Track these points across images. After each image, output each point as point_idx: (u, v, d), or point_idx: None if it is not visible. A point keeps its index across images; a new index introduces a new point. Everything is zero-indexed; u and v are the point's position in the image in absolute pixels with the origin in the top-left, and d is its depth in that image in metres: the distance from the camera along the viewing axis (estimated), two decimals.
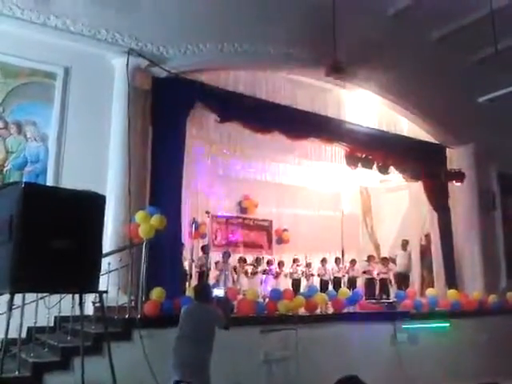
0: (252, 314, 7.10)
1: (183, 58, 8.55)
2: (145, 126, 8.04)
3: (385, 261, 12.41)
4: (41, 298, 5.66)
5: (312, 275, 12.01)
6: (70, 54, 7.62)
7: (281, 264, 11.92)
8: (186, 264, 9.44)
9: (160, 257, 7.27)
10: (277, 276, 11.73)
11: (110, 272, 6.04)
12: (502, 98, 9.12)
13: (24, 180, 6.88)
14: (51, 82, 7.55)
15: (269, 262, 11.85)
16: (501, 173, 12.59)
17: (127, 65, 7.74)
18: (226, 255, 10.80)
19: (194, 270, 10.00)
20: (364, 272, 12.36)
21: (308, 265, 12.07)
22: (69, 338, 5.78)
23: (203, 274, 9.99)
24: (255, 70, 9.71)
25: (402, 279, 12.18)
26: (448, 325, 8.67)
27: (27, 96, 7.35)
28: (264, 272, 11.64)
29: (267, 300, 7.87)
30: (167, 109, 8.16)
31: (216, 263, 10.98)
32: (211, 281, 10.28)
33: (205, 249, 10.55)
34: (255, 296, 7.60)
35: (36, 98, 7.42)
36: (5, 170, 7.10)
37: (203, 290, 5.42)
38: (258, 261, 11.80)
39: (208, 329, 4.91)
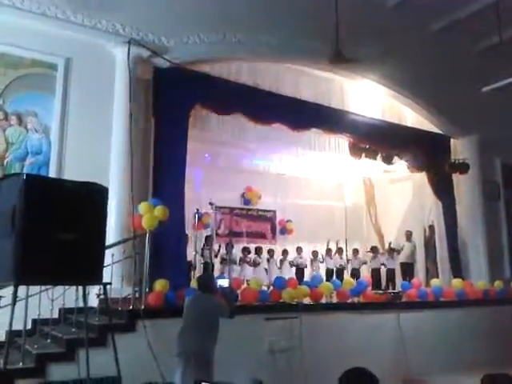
0: (256, 302, 7.10)
1: (185, 49, 8.49)
2: (147, 117, 8.00)
3: (392, 251, 12.41)
4: (44, 290, 5.66)
5: (317, 264, 11.99)
6: (70, 45, 7.55)
7: (285, 252, 11.93)
8: (190, 255, 9.43)
9: (163, 248, 7.26)
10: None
11: (113, 263, 6.03)
12: (506, 88, 9.04)
13: (25, 171, 6.85)
14: (52, 72, 7.49)
15: (270, 252, 11.85)
16: (505, 163, 12.57)
17: (128, 55, 7.68)
18: (230, 246, 10.79)
19: (198, 261, 10.00)
20: (364, 263, 12.41)
21: (312, 252, 12.06)
22: (73, 329, 5.78)
23: (207, 265, 9.99)
24: (257, 60, 9.62)
25: (407, 270, 12.18)
26: None
27: (28, 87, 7.30)
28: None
29: (271, 288, 7.88)
30: (170, 99, 8.11)
31: (219, 254, 11.00)
32: (215, 271, 10.29)
33: (208, 240, 10.55)
34: (259, 285, 7.58)
35: (37, 89, 7.37)
36: (5, 161, 7.06)
37: (207, 280, 5.42)
38: (259, 250, 11.79)
39: (211, 319, 4.92)
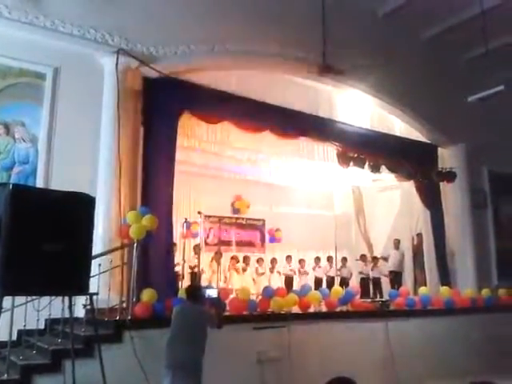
0: (244, 312, 7.07)
1: (174, 59, 8.49)
2: (136, 126, 7.97)
3: (375, 260, 12.47)
4: (30, 301, 5.61)
5: (306, 273, 12.02)
6: (59, 54, 7.52)
7: (273, 261, 11.93)
8: (178, 265, 9.38)
9: (151, 257, 7.24)
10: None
11: (100, 273, 5.99)
12: (491, 97, 9.15)
13: (12, 181, 6.80)
14: (40, 82, 7.45)
15: (259, 261, 11.85)
16: (491, 172, 12.69)
17: (116, 65, 7.68)
18: (218, 255, 10.77)
19: (187, 271, 9.96)
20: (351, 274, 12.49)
21: (301, 261, 12.07)
22: (59, 340, 5.72)
23: (195, 275, 9.95)
24: (246, 70, 9.66)
25: (395, 278, 12.23)
26: None
27: (16, 96, 7.25)
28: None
29: (260, 298, 7.86)
30: (158, 109, 8.10)
31: (208, 263, 10.98)
32: (204, 281, 10.25)
33: (196, 249, 10.52)
34: (247, 294, 7.57)
35: (25, 99, 7.32)
36: None
37: (194, 290, 5.41)
38: (246, 259, 11.80)
39: (200, 329, 4.90)
